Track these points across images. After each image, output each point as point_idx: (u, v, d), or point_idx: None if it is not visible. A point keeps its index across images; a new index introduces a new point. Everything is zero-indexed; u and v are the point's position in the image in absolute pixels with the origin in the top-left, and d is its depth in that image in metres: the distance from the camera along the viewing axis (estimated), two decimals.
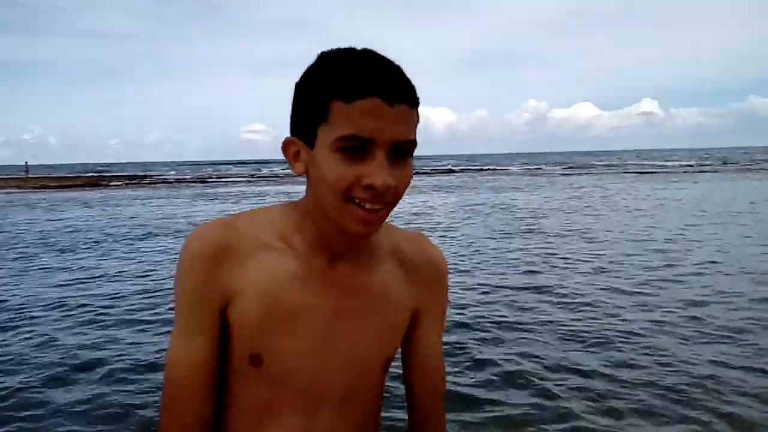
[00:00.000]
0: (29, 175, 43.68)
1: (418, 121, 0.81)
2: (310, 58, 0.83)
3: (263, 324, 0.86)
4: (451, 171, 45.80)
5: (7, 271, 8.18)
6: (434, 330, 0.99)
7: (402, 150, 0.79)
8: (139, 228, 12.87)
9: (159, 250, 9.77)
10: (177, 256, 0.89)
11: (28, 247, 10.41)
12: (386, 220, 0.87)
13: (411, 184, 0.83)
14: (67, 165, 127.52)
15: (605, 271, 7.26)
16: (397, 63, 0.80)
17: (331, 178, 0.78)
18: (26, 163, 52.09)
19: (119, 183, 36.82)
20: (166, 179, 41.11)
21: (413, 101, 0.79)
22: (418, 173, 41.75)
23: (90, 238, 11.34)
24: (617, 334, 4.82)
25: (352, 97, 0.75)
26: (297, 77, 0.84)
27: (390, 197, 0.80)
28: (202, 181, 38.80)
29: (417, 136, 0.81)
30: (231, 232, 0.87)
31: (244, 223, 0.89)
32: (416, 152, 0.82)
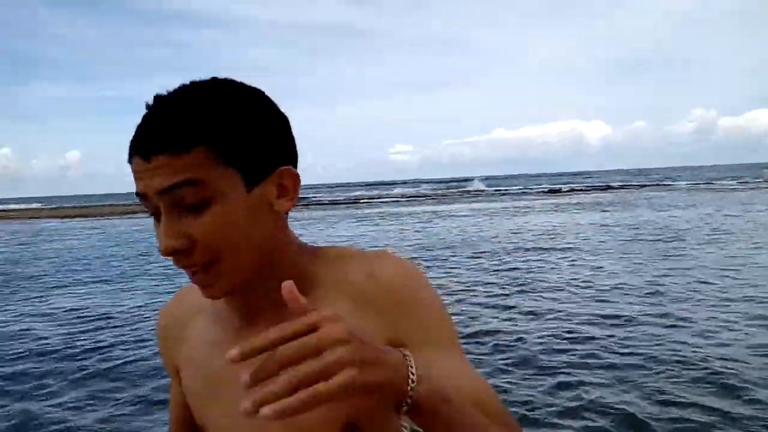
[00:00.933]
0: None
1: (207, 161, 0.67)
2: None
3: (198, 396, 0.82)
4: (608, 187, 43.08)
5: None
6: (436, 356, 0.73)
7: (185, 201, 0.67)
8: None
9: None
10: None
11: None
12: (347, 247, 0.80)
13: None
14: None
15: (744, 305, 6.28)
16: (177, 99, 0.70)
17: None
18: None
19: None
20: (320, 201, 43.41)
21: (176, 146, 0.66)
22: (572, 191, 39.74)
23: None
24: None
25: (129, 162, 0.70)
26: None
27: (199, 256, 0.68)
28: (355, 201, 40.44)
29: (245, 169, 0.69)
30: (177, 303, 0.89)
31: (191, 289, 0.83)
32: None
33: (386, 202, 38.45)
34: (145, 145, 0.67)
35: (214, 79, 0.73)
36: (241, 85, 0.74)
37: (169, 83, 0.73)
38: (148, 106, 0.71)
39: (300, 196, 0.75)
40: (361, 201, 40.83)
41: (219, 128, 0.68)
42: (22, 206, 60.74)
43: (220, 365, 0.77)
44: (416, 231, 16.49)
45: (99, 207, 48.93)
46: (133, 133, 0.70)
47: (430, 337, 0.74)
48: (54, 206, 55.74)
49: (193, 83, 0.72)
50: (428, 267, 9.81)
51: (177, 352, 0.86)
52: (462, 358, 0.75)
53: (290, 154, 0.75)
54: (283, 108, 0.76)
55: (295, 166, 0.75)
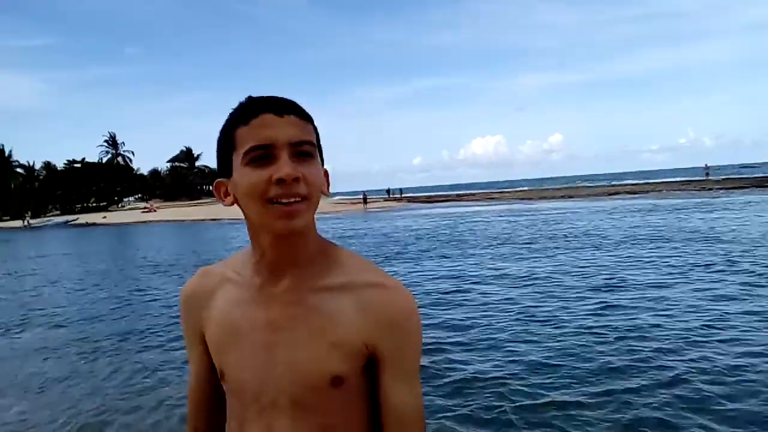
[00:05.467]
0: (709, 177, 45.56)
1: (315, 134, 0.97)
2: None
3: (220, 344, 1.03)
4: None
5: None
6: (399, 379, 0.98)
7: (303, 152, 0.93)
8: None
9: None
10: None
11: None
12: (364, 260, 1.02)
13: None
14: (726, 166, 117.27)
15: None
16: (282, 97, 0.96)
17: (247, 186, 0.92)
18: (706, 165, 54.64)
19: None
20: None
21: (303, 115, 0.95)
22: None
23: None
24: None
25: (248, 119, 0.93)
26: None
27: (303, 190, 0.92)
28: None
29: (320, 144, 0.97)
30: (203, 278, 1.10)
31: (221, 265, 1.10)
32: None
33: None
34: (278, 105, 0.93)
35: None
36: None
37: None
38: (256, 97, 0.96)
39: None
40: None
41: (314, 123, 0.98)
42: (513, 189, 66.97)
43: (240, 316, 1.00)
44: None
45: (575, 188, 50.95)
46: (249, 105, 0.94)
47: (404, 368, 0.98)
48: (541, 188, 59.83)
49: None
50: None
51: (204, 315, 1.06)
52: (416, 388, 1.00)
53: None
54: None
55: None
